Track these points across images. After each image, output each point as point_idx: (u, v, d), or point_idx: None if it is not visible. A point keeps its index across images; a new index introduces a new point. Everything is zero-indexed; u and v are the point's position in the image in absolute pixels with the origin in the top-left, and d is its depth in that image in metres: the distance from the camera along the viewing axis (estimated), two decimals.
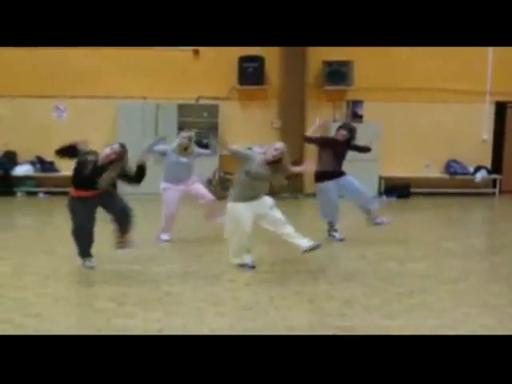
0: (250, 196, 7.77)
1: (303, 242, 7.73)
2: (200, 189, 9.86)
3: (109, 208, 7.72)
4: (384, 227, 9.87)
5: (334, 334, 5.54)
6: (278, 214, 7.82)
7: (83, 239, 7.74)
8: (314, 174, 9.71)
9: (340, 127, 9.95)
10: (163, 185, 9.53)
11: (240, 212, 7.72)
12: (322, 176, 9.64)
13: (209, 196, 9.88)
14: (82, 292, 6.76)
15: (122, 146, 7.54)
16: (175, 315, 6.06)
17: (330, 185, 9.65)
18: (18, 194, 14.60)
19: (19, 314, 5.98)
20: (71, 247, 8.85)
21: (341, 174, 9.78)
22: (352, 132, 9.77)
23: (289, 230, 7.77)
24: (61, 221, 11.54)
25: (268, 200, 7.89)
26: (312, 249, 7.73)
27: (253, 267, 7.89)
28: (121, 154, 7.43)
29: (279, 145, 7.84)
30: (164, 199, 9.56)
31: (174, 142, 9.67)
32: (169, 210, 9.51)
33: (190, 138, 9.60)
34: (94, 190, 7.46)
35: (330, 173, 9.60)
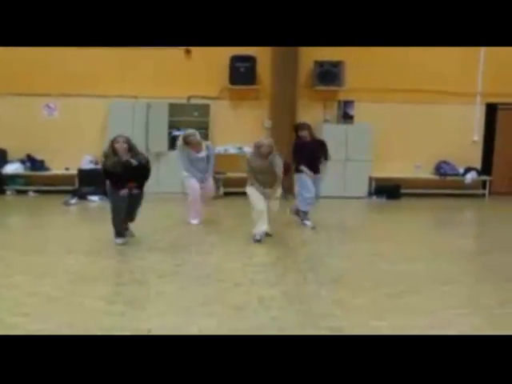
0: (260, 185, 9.50)
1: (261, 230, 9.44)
2: (209, 184, 11.08)
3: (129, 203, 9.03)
4: (375, 227, 9.88)
5: (321, 334, 5.55)
6: (275, 205, 9.71)
7: (116, 218, 9.02)
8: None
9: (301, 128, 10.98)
10: (184, 173, 10.82)
11: (251, 190, 9.52)
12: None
13: (211, 188, 11.18)
14: (71, 291, 6.74)
15: (121, 135, 8.96)
16: (165, 315, 6.06)
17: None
18: (8, 193, 14.55)
19: (9, 313, 5.97)
20: (61, 246, 8.88)
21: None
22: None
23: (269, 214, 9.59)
24: (50, 219, 11.57)
25: (276, 192, 9.63)
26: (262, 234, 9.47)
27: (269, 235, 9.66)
28: (128, 140, 8.92)
29: (265, 142, 9.57)
30: (187, 186, 10.88)
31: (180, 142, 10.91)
32: (192, 195, 10.78)
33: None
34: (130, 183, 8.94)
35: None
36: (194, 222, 10.82)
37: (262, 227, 9.39)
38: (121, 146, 8.75)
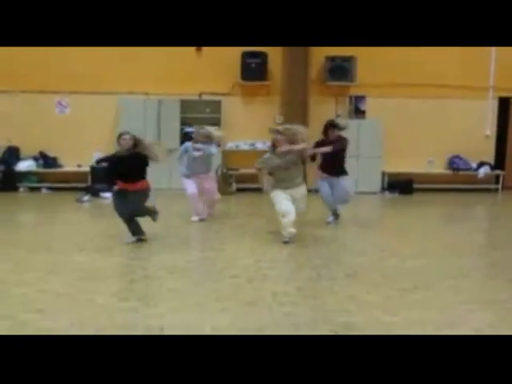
0: (284, 185, 9.10)
1: (288, 232, 9.00)
2: (211, 187, 10.94)
3: (128, 204, 8.82)
4: (388, 222, 9.86)
5: (334, 332, 5.54)
6: (301, 204, 9.25)
7: (122, 220, 8.96)
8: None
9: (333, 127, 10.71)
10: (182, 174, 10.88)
11: (277, 194, 9.10)
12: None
13: (214, 195, 10.99)
14: (83, 288, 6.75)
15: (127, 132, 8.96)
16: (177, 311, 6.05)
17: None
18: (21, 190, 14.63)
19: (21, 310, 5.98)
20: (74, 243, 8.90)
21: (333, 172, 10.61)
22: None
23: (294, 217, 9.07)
24: (63, 216, 11.60)
25: (302, 190, 9.26)
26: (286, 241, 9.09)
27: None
28: (134, 136, 8.84)
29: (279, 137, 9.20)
30: (183, 184, 10.82)
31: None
32: (189, 191, 10.68)
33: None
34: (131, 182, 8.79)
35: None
36: (194, 219, 10.85)
37: (292, 230, 9.00)
38: (124, 141, 8.75)
